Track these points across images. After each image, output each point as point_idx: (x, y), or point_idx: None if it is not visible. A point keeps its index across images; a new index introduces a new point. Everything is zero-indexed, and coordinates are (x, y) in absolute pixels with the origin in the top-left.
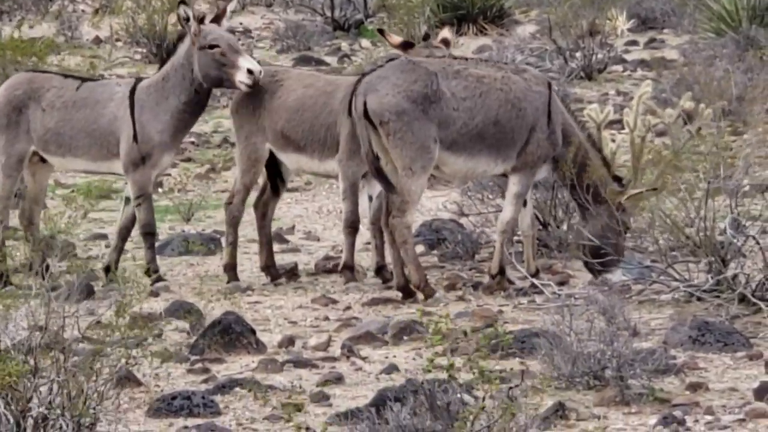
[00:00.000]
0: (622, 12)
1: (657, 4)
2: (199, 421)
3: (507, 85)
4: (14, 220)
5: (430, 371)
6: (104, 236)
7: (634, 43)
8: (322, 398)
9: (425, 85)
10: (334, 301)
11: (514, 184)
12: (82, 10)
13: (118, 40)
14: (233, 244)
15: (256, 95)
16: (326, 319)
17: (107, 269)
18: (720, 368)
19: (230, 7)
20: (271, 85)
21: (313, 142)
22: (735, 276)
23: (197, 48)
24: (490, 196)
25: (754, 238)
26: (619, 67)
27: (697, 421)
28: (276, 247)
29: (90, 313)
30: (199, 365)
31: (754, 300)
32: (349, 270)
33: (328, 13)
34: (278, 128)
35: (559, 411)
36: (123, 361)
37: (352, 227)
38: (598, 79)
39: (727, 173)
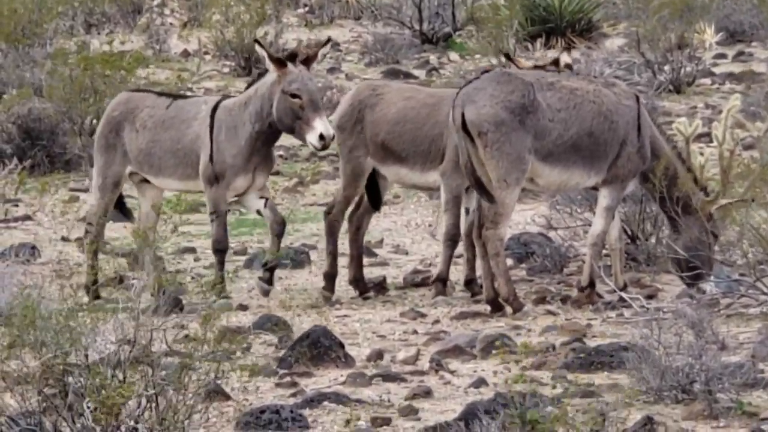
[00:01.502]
0: (710, 25)
1: (745, 17)
2: None
3: (599, 98)
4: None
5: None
6: (193, 250)
7: (722, 56)
8: (410, 412)
9: (522, 95)
10: (423, 315)
11: (604, 198)
12: (171, 24)
13: (206, 53)
14: (333, 254)
15: (358, 110)
16: (414, 332)
17: (270, 268)
18: None
19: (323, 51)
20: (371, 99)
21: (416, 154)
22: None
23: (280, 90)
24: (579, 210)
25: None
26: (708, 80)
27: None
28: (365, 260)
29: (178, 326)
30: (287, 379)
31: None
32: (441, 283)
33: (417, 26)
34: (379, 140)
35: (647, 425)
36: (211, 374)
37: (452, 240)
38: (686, 92)
39: None
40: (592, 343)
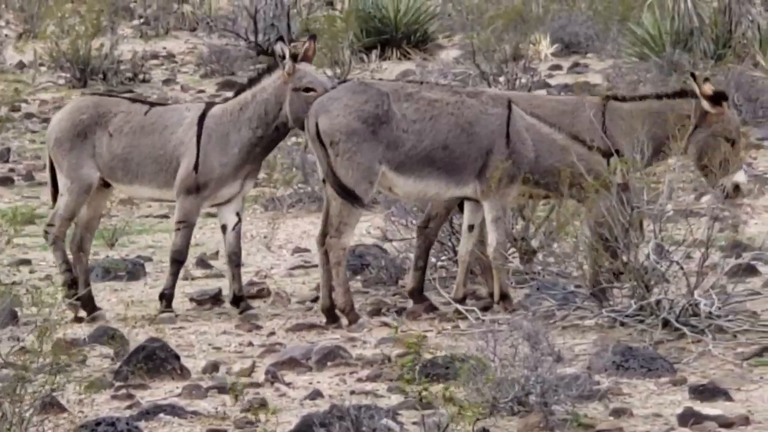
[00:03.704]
0: (545, 36)
1: (580, 28)
2: None
3: (459, 110)
4: None
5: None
6: (28, 261)
7: (557, 67)
8: (246, 424)
9: (376, 105)
10: (258, 327)
11: (488, 212)
12: (6, 35)
13: (41, 64)
14: (423, 270)
15: None
16: (250, 344)
17: (237, 300)
18: (644, 394)
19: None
20: None
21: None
22: (659, 301)
23: (291, 89)
24: (414, 222)
25: (677, 263)
26: (543, 92)
27: None
28: (200, 272)
29: (14, 338)
30: (123, 391)
31: (677, 325)
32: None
33: (252, 38)
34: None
35: None
36: (47, 387)
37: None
38: None
39: (651, 198)
40: (427, 355)
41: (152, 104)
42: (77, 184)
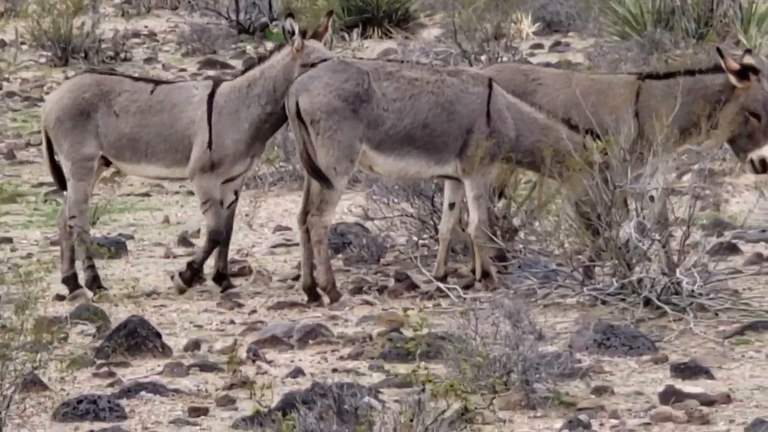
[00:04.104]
0: (527, 15)
1: (562, 7)
2: (104, 425)
3: (439, 89)
4: None
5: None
6: (9, 240)
7: (539, 46)
8: (227, 402)
9: (357, 84)
10: (240, 305)
11: (470, 190)
12: None
13: (23, 43)
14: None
15: (510, 92)
16: (232, 322)
17: (220, 277)
18: (625, 372)
19: (328, 23)
20: (528, 84)
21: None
22: (640, 280)
23: (299, 65)
24: (395, 200)
25: (659, 241)
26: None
27: (602, 425)
28: (181, 251)
29: None
30: (104, 369)
31: (658, 303)
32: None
33: (233, 17)
34: None
35: (465, 415)
36: (28, 365)
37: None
38: None
39: (633, 177)
40: (409, 333)
41: (157, 82)
42: (79, 163)
